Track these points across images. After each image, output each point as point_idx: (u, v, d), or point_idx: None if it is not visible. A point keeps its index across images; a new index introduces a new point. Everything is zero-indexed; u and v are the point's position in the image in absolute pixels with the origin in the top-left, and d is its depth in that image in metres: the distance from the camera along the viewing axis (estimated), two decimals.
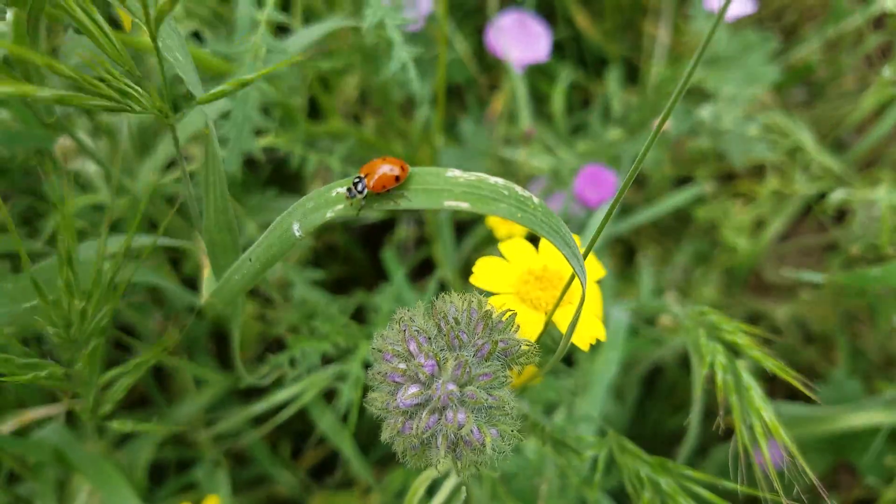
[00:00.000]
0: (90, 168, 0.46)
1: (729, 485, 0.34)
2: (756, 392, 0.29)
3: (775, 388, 1.02)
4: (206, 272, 0.41)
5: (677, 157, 0.92)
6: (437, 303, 0.28)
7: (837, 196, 0.73)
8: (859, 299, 0.85)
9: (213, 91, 0.38)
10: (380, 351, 0.27)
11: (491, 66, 1.03)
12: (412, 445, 0.26)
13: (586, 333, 0.31)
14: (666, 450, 0.85)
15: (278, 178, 0.92)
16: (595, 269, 0.34)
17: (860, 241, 0.75)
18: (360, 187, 0.31)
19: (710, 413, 1.00)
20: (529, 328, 0.33)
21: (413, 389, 0.25)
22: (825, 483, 0.90)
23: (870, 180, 0.84)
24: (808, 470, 0.33)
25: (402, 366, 0.26)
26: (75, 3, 0.30)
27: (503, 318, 0.28)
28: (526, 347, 0.28)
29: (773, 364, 0.29)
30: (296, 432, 0.83)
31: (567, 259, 0.29)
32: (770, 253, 0.97)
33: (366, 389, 0.63)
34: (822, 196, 0.91)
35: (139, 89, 0.35)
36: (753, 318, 0.97)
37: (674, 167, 0.89)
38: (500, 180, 0.30)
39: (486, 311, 0.27)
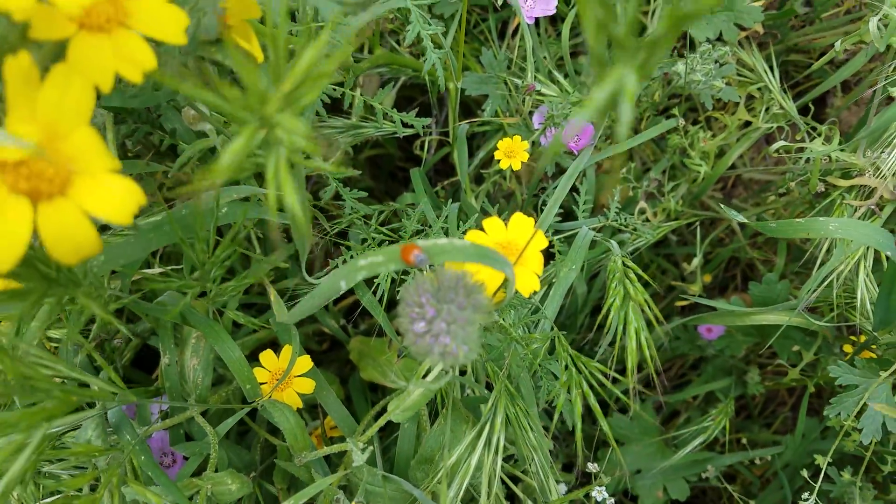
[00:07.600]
0: (206, 127, 0.65)
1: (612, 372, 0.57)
2: (636, 309, 0.51)
3: (727, 288, 1.24)
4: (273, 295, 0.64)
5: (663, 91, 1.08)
6: (438, 272, 0.49)
7: (777, 145, 0.90)
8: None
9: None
10: (405, 299, 0.47)
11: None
12: (420, 351, 0.46)
13: (527, 285, 0.53)
14: None
15: None
16: (540, 240, 0.55)
17: (795, 180, 0.93)
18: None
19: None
20: (495, 281, 0.54)
21: (422, 324, 0.44)
22: (753, 357, 1.13)
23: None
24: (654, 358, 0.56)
25: (417, 309, 0.46)
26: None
27: (477, 283, 0.48)
28: (487, 302, 0.49)
29: (639, 288, 0.51)
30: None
31: (497, 269, 0.50)
32: (744, 170, 1.14)
33: (393, 282, 0.86)
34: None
35: None
36: (714, 222, 1.17)
37: (660, 98, 1.04)
38: (457, 242, 0.50)
39: (467, 279, 0.47)
